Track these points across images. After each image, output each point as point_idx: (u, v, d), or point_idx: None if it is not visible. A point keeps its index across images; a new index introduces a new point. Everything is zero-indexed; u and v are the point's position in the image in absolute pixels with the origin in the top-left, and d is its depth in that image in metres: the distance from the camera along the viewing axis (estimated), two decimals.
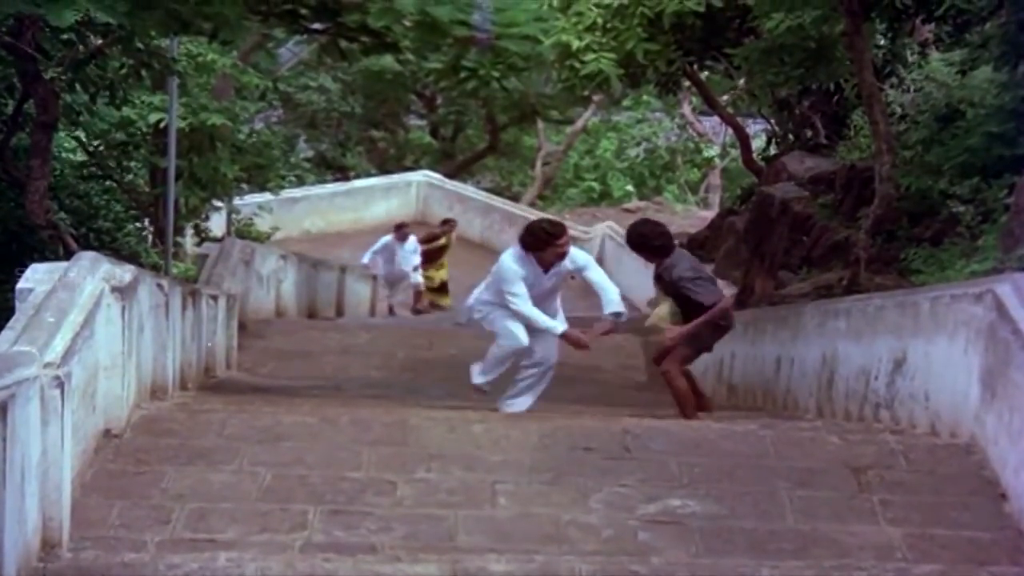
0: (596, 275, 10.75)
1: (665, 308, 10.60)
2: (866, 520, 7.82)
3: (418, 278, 24.12)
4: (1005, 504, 7.87)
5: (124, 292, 8.57)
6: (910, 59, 17.52)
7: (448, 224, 24.55)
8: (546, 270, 10.48)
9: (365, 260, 24.38)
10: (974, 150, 13.36)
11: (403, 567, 7.01)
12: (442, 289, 24.11)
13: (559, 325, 10.54)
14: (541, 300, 10.51)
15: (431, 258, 23.78)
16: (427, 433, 8.84)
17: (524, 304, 10.35)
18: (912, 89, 16.53)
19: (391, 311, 24.31)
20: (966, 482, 8.17)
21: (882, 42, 17.82)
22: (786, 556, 7.38)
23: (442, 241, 23.78)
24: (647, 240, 10.62)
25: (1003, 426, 8.05)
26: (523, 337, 10.50)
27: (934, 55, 17.32)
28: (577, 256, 10.66)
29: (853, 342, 10.40)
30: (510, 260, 10.48)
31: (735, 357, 13.83)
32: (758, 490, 8.12)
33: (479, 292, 10.86)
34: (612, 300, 10.54)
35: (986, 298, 8.46)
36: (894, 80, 17.19)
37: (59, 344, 7.26)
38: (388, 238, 24.17)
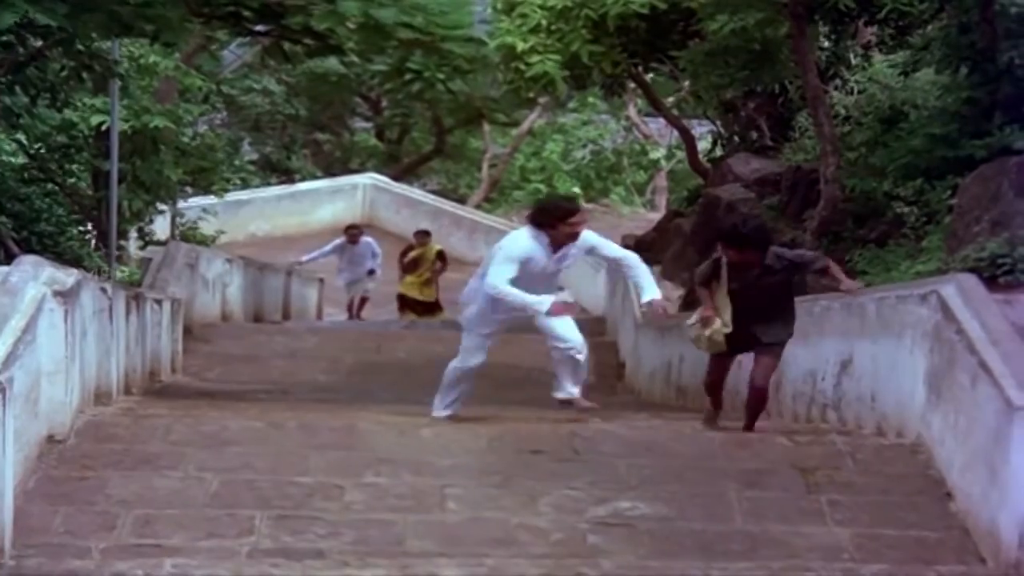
0: (614, 250, 10.24)
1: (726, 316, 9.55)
2: (814, 521, 7.86)
3: (368, 285, 23.63)
4: (951, 503, 7.94)
5: (67, 296, 8.52)
6: (853, 61, 17.67)
7: (419, 236, 23.76)
8: (555, 250, 9.74)
9: (304, 259, 23.88)
10: (917, 152, 13.50)
11: (352, 572, 7.00)
12: (427, 308, 23.06)
13: (543, 300, 9.60)
14: (542, 283, 9.79)
15: (407, 271, 23.12)
16: (376, 437, 8.84)
17: (503, 285, 9.58)
18: (856, 91, 16.69)
19: (351, 315, 23.71)
20: (913, 482, 8.23)
21: (826, 44, 17.96)
22: (735, 557, 7.42)
23: (413, 253, 23.24)
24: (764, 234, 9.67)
25: (949, 426, 8.12)
26: (477, 358, 9.98)
27: (877, 57, 17.48)
28: (586, 237, 9.89)
29: (800, 344, 10.44)
30: (520, 236, 9.86)
31: (683, 359, 13.85)
32: (707, 492, 8.16)
33: (471, 285, 10.13)
34: (647, 286, 9.92)
35: (931, 299, 8.53)
36: (838, 82, 17.34)
37: (0, 350, 7.19)
38: (339, 240, 23.79)
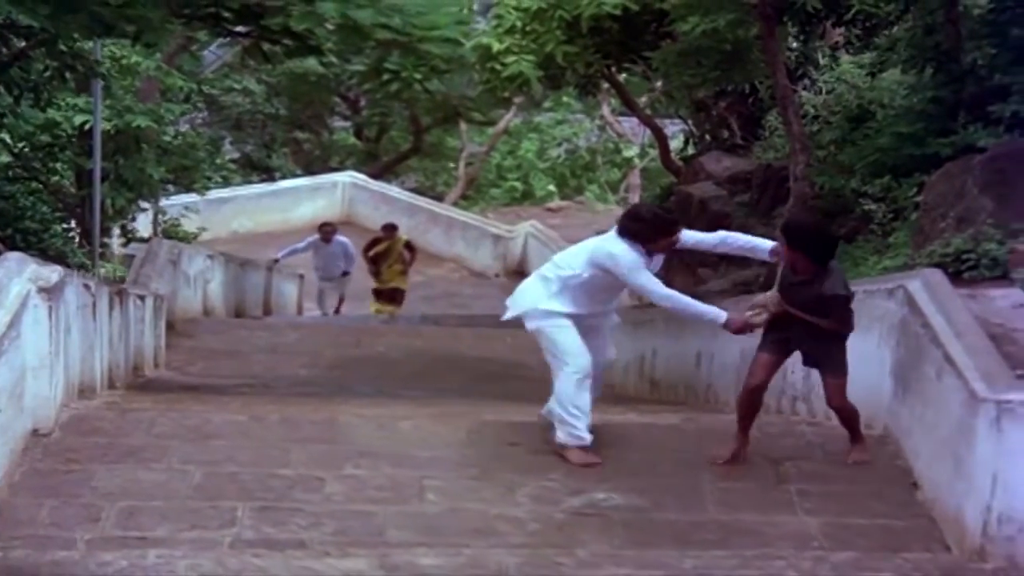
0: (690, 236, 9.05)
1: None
2: (785, 510, 7.99)
3: (342, 288, 23.57)
4: (918, 493, 8.09)
5: (51, 293, 8.57)
6: (822, 61, 17.80)
7: (386, 229, 23.68)
8: (649, 259, 8.77)
9: (280, 255, 23.84)
10: (885, 150, 13.61)
11: (332, 562, 7.05)
12: (390, 297, 23.13)
13: (721, 313, 8.66)
14: (606, 298, 9.01)
15: (375, 263, 23.14)
16: (356, 430, 8.92)
17: (668, 291, 8.67)
18: (824, 91, 16.81)
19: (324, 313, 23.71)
20: (880, 472, 8.37)
21: (794, 45, 18.10)
22: (708, 546, 7.52)
23: (380, 247, 23.22)
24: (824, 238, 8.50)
25: (915, 418, 8.27)
26: (588, 355, 8.75)
27: (845, 58, 17.61)
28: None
29: None
30: (622, 247, 8.63)
31: (656, 353, 13.96)
32: (680, 483, 8.28)
33: (542, 290, 8.85)
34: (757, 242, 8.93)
35: (898, 293, 8.68)
36: (807, 82, 17.48)
37: None
38: (313, 238, 23.80)
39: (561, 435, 8.66)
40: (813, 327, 8.34)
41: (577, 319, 8.73)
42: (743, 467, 8.53)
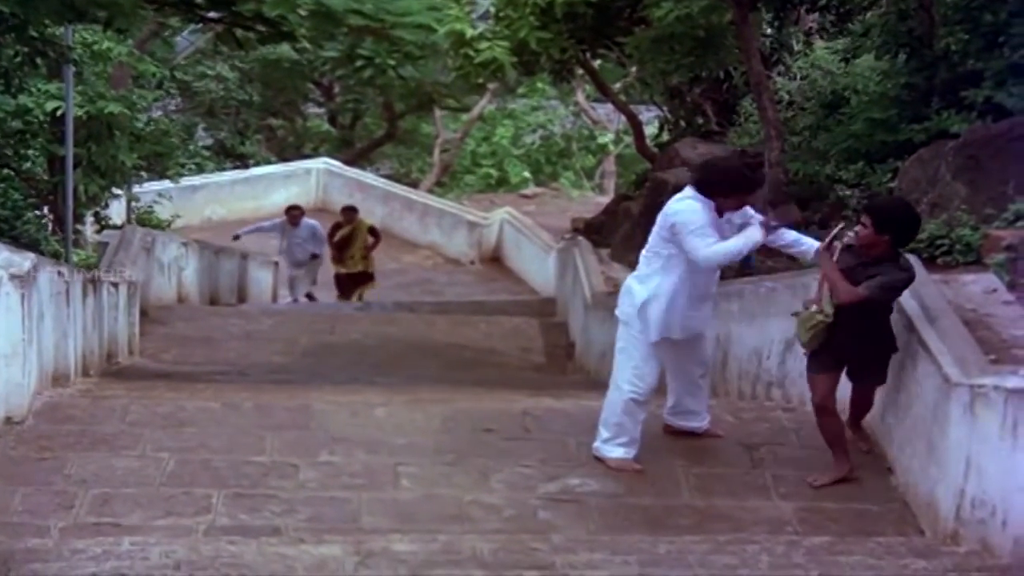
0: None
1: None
2: (759, 495, 8.03)
3: (314, 271, 23.43)
4: (891, 478, 8.13)
5: (23, 280, 8.54)
6: (796, 48, 17.88)
7: (346, 212, 23.52)
8: (720, 215, 8.13)
9: (242, 231, 23.51)
10: (858, 136, 13.68)
11: (307, 548, 7.02)
12: (355, 281, 23.01)
13: (755, 233, 8.03)
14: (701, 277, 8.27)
15: (339, 249, 22.98)
16: (330, 417, 8.92)
17: (718, 248, 7.91)
18: (799, 77, 16.89)
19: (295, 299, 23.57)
20: (854, 457, 8.34)
21: (769, 31, 18.17)
22: (682, 531, 7.54)
23: (343, 232, 23.06)
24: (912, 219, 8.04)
25: (889, 403, 8.29)
26: (653, 380, 8.39)
27: (819, 44, 17.70)
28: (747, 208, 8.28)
29: (746, 323, 10.60)
30: (692, 205, 8.02)
31: None
32: (655, 468, 8.30)
33: (638, 285, 8.43)
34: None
35: None
36: (781, 68, 17.56)
37: None
38: (280, 220, 23.32)
39: (597, 443, 8.48)
40: (861, 335, 7.97)
41: (675, 315, 8.27)
42: (718, 453, 8.55)
